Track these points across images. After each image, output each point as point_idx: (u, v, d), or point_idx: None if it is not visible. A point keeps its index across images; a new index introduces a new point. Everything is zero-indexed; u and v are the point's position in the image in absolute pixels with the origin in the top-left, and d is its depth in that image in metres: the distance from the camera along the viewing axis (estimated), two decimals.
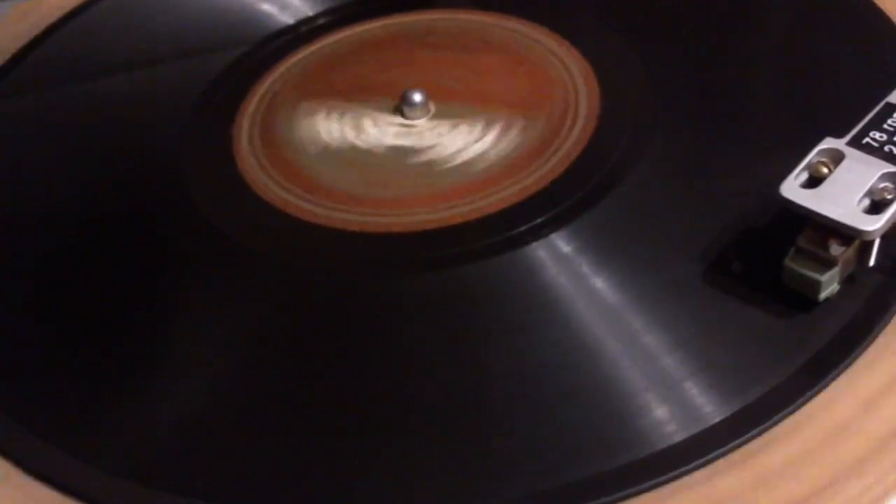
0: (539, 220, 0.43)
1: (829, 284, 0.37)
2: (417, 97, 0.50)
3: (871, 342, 0.37)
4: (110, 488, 0.37)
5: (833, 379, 0.36)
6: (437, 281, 0.42)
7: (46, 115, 0.55)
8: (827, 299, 0.37)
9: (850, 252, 0.37)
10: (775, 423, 0.35)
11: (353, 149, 0.49)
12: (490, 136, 0.49)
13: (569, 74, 0.51)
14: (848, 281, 0.38)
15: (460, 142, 0.49)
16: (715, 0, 0.55)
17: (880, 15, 0.50)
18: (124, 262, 0.46)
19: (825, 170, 0.38)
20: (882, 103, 0.40)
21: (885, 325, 0.37)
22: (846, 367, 0.36)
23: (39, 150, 0.53)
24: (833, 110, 0.44)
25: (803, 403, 0.35)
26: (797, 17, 0.53)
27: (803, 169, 0.38)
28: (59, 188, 0.50)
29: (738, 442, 0.34)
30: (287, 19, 0.59)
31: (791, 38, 0.52)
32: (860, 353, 0.36)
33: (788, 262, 0.37)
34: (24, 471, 0.38)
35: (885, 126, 0.39)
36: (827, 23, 0.51)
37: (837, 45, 0.50)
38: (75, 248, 0.47)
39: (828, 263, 0.37)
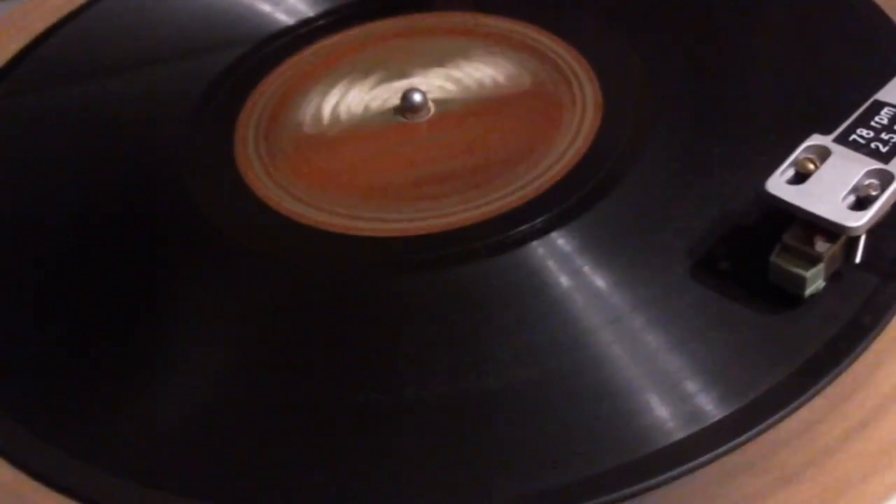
0: (539, 220, 0.43)
1: (815, 281, 0.37)
2: (417, 98, 0.50)
3: (869, 343, 0.37)
4: (110, 488, 0.37)
5: (832, 379, 0.36)
6: (437, 281, 0.42)
7: (46, 115, 0.56)
8: (813, 296, 0.38)
9: (836, 248, 0.37)
10: (776, 422, 0.35)
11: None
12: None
13: (569, 75, 0.51)
14: (834, 277, 0.38)
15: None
16: (714, 0, 0.55)
17: (878, 11, 0.51)
18: (124, 262, 0.46)
19: (811, 166, 0.38)
20: (870, 100, 0.40)
21: (885, 325, 0.37)
22: (846, 367, 0.36)
23: (39, 150, 0.53)
24: (832, 108, 0.44)
25: (803, 403, 0.35)
26: (796, 15, 0.53)
27: (789, 165, 0.38)
28: (59, 188, 0.50)
29: (738, 440, 0.35)
30: (287, 19, 0.59)
31: (790, 37, 0.52)
32: (859, 354, 0.37)
33: (774, 259, 0.37)
34: (24, 471, 0.38)
35: (873, 123, 0.39)
36: (825, 20, 0.52)
37: (836, 42, 0.50)
38: (75, 248, 0.47)
39: (813, 260, 0.37)
